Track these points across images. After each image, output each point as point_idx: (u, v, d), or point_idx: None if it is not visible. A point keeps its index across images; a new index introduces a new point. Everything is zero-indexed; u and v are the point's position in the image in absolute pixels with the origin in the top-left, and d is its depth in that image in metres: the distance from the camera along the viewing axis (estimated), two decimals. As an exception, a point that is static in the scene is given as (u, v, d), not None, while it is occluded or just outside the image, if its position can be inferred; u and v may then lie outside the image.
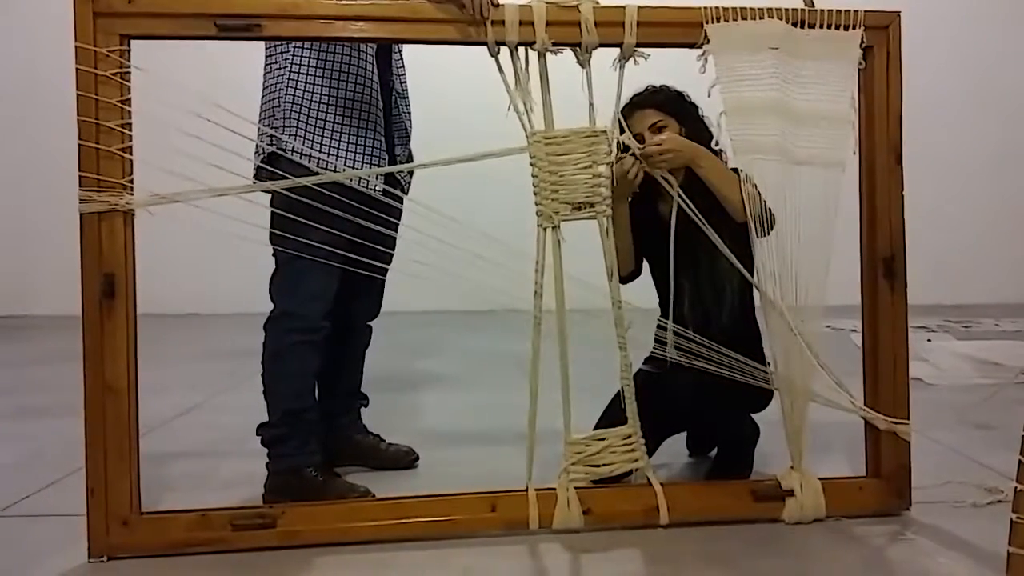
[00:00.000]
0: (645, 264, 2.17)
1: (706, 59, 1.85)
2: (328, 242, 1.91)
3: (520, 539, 1.79)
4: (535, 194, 1.84)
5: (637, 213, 2.10)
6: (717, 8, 1.84)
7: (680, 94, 2.06)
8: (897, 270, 1.92)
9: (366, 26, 1.79)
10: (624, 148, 1.93)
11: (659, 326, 2.00)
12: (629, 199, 2.02)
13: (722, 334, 1.94)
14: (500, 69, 1.82)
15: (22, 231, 5.69)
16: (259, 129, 2.00)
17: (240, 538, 1.74)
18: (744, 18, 1.85)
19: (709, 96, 1.90)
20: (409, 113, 2.22)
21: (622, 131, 1.91)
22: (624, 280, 2.05)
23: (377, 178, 1.99)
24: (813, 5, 1.90)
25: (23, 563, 1.71)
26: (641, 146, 1.92)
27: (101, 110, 1.69)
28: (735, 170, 1.89)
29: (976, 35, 5.83)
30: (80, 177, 1.70)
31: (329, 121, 1.98)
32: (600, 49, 1.83)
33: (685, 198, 1.90)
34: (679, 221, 1.94)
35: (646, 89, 2.06)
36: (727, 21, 1.85)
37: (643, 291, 2.13)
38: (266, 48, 2.04)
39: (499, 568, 1.67)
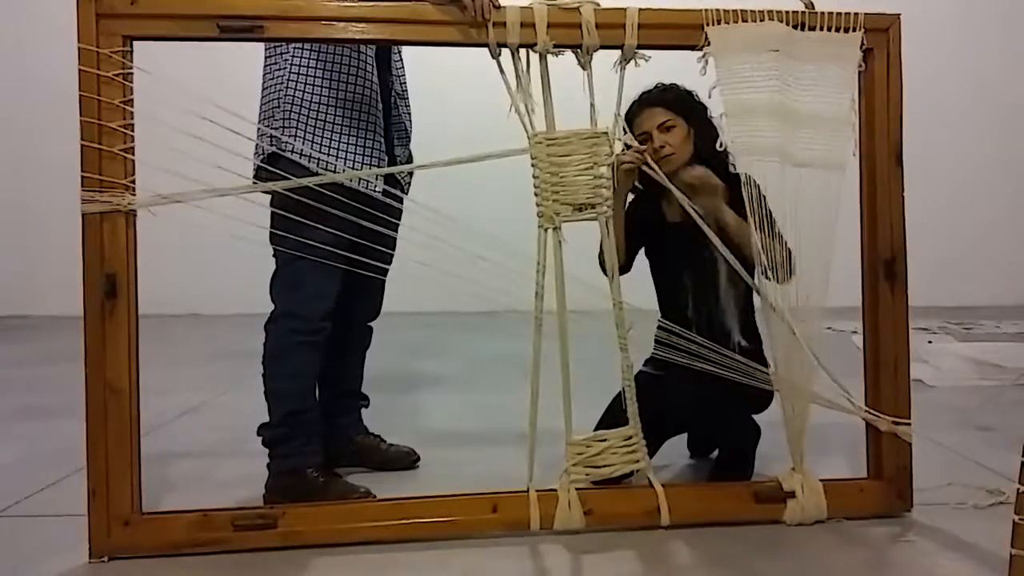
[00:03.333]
0: (645, 265, 2.17)
1: (707, 61, 1.85)
2: (328, 242, 1.91)
3: (521, 540, 1.79)
4: (536, 195, 1.84)
5: (642, 214, 2.10)
6: (718, 10, 1.84)
7: (690, 93, 2.05)
8: (898, 272, 1.92)
9: (368, 28, 1.79)
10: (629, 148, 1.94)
11: (660, 327, 2.00)
12: (626, 197, 2.02)
13: (724, 336, 1.94)
14: (501, 71, 1.83)
15: (25, 231, 5.69)
16: (259, 129, 2.00)
17: (241, 539, 1.74)
18: (745, 20, 1.85)
19: (710, 98, 1.91)
20: (409, 113, 2.22)
21: (624, 132, 1.91)
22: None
23: (377, 178, 2.00)
24: (813, 7, 1.91)
25: (23, 563, 1.71)
26: (644, 148, 1.92)
27: (103, 111, 1.70)
28: (735, 176, 1.89)
29: (977, 38, 5.83)
30: (82, 177, 1.70)
31: (329, 121, 1.98)
32: (601, 51, 1.84)
33: (688, 200, 1.90)
34: (682, 223, 1.94)
35: (656, 87, 2.06)
36: (728, 23, 1.85)
37: (645, 292, 2.13)
38: (265, 48, 2.05)
39: (500, 569, 1.67)
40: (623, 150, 1.92)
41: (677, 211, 2.00)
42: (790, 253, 1.85)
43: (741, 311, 2.02)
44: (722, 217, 1.93)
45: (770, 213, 1.84)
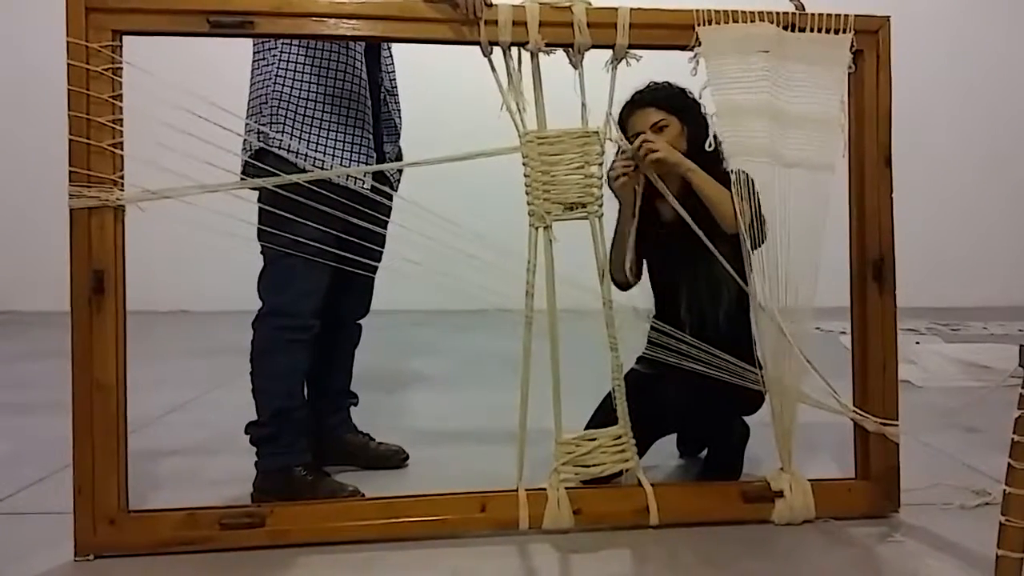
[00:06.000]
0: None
1: (697, 61, 1.85)
2: (317, 239, 1.90)
3: (510, 539, 1.79)
4: (527, 194, 1.84)
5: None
6: (709, 11, 1.85)
7: (683, 91, 2.04)
8: (886, 273, 1.93)
9: (359, 24, 1.79)
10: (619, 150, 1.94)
11: (653, 327, 2.00)
12: (634, 208, 2.00)
13: (718, 336, 1.94)
14: (493, 69, 1.82)
15: (15, 227, 5.65)
16: (247, 125, 1.99)
17: (228, 537, 1.73)
18: (735, 21, 1.86)
19: (700, 98, 1.91)
20: (399, 110, 2.21)
21: (623, 133, 1.91)
22: (620, 287, 2.05)
23: (365, 175, 1.99)
24: (804, 9, 1.91)
25: (8, 561, 1.70)
26: (630, 145, 1.92)
27: (92, 106, 1.69)
28: (727, 173, 1.89)
29: (968, 40, 5.86)
30: (70, 172, 1.69)
31: (317, 117, 1.97)
32: (593, 50, 1.84)
33: (681, 200, 1.90)
34: (677, 223, 1.94)
35: (648, 86, 2.05)
36: (719, 24, 1.85)
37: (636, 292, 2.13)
38: (254, 44, 2.03)
39: (488, 568, 1.67)
40: (613, 162, 1.92)
41: (670, 211, 1.99)
42: (763, 221, 1.85)
43: (734, 312, 2.02)
44: (691, 178, 1.92)
45: (752, 182, 1.85)
